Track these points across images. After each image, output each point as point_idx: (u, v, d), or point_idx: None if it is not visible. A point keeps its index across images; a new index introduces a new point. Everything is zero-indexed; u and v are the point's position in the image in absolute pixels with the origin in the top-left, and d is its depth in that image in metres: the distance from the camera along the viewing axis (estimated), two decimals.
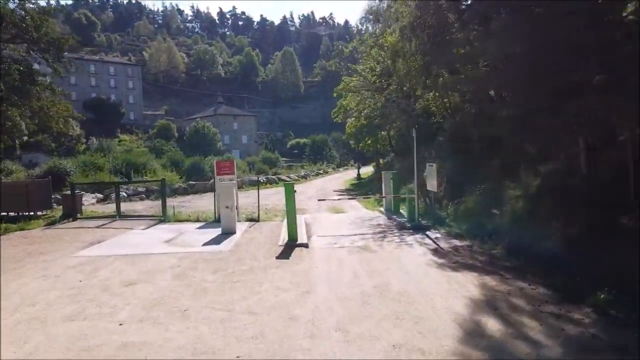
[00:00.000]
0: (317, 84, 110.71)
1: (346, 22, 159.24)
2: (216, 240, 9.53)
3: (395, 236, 9.64)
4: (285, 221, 11.30)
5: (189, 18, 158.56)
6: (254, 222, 12.22)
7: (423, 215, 11.41)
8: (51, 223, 13.11)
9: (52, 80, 15.39)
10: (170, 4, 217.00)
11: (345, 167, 56.13)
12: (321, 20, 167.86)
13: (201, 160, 28.58)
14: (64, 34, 17.80)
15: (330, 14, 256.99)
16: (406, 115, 14.45)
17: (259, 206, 13.23)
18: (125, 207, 17.33)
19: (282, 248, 8.53)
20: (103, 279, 6.58)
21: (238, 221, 11.71)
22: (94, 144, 49.26)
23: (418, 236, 9.48)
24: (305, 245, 8.62)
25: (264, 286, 6.00)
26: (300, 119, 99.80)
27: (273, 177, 32.56)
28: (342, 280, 6.20)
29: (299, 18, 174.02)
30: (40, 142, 48.01)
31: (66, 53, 15.31)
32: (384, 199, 13.91)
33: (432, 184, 11.16)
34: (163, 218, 13.04)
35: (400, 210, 12.95)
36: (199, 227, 11.57)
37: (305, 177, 37.54)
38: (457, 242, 8.64)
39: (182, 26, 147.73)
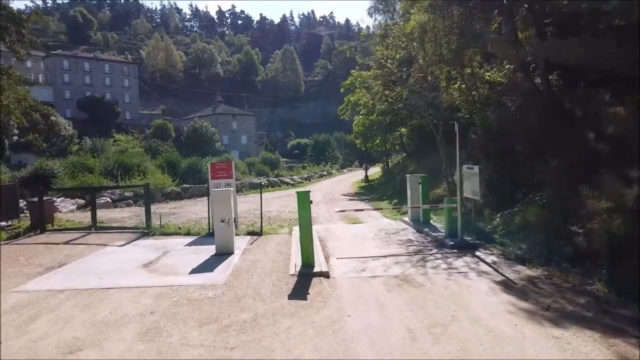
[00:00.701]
0: (318, 83, 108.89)
1: (347, 21, 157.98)
2: (208, 265, 7.42)
3: (438, 259, 7.53)
4: (295, 236, 9.27)
5: (188, 17, 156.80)
6: (256, 237, 10.11)
7: (462, 228, 9.30)
8: (14, 236, 11.00)
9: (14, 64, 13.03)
10: (169, 2, 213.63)
11: (349, 168, 54.11)
12: (321, 20, 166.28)
13: (199, 161, 26.39)
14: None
15: (331, 13, 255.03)
16: (433, 109, 12.34)
17: (261, 217, 11.13)
18: (108, 214, 15.25)
19: (295, 279, 6.41)
20: (36, 337, 4.46)
21: (237, 235, 9.63)
22: (87, 144, 47.17)
23: (468, 259, 7.38)
24: (326, 275, 6.50)
25: (276, 355, 3.90)
26: (300, 119, 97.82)
27: (275, 179, 30.39)
28: (393, 344, 4.09)
29: (299, 17, 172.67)
30: (30, 142, 45.99)
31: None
32: (408, 207, 11.77)
33: (472, 190, 9.08)
34: (147, 230, 10.93)
35: (432, 222, 10.86)
36: (189, 244, 9.46)
37: (308, 179, 35.41)
38: (526, 270, 6.53)
39: (180, 25, 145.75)
